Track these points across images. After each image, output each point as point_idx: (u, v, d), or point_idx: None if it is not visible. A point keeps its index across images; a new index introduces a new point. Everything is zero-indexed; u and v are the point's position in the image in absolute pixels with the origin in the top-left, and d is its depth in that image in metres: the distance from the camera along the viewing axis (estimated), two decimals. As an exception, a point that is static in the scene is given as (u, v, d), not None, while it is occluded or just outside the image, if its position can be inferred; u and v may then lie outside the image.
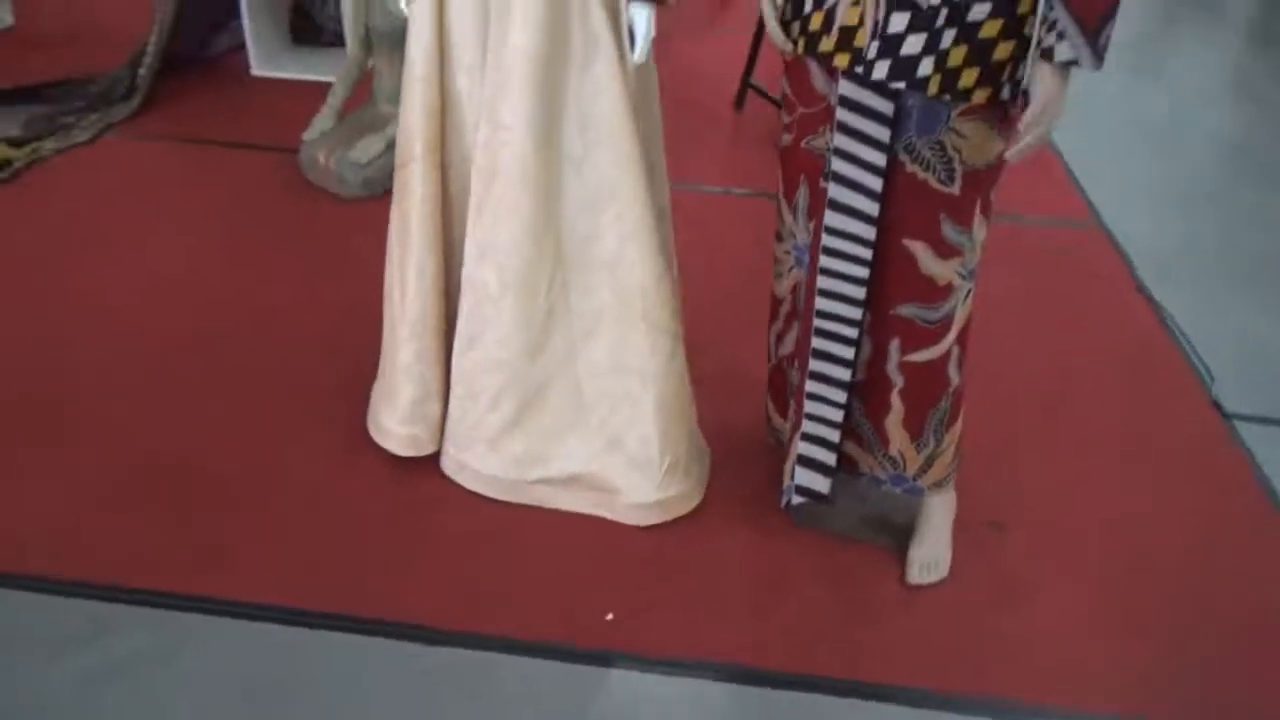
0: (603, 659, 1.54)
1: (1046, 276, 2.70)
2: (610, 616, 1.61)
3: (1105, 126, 3.81)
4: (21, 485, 1.79)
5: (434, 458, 1.85)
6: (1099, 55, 1.26)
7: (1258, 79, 4.53)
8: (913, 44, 1.28)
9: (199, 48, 3.63)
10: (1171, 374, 2.33)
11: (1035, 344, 2.40)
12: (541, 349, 1.69)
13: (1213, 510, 1.92)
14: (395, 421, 1.83)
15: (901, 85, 1.31)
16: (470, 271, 1.66)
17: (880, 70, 1.31)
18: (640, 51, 1.51)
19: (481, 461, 1.79)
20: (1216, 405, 2.20)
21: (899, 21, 1.28)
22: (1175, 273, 2.73)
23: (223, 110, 3.43)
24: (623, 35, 1.50)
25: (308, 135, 2.90)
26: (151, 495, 1.79)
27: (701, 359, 2.05)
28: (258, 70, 3.70)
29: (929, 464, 1.68)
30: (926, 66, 1.29)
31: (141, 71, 3.32)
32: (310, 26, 3.95)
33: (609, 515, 1.78)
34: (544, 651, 1.54)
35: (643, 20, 1.50)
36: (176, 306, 2.34)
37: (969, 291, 1.54)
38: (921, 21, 1.27)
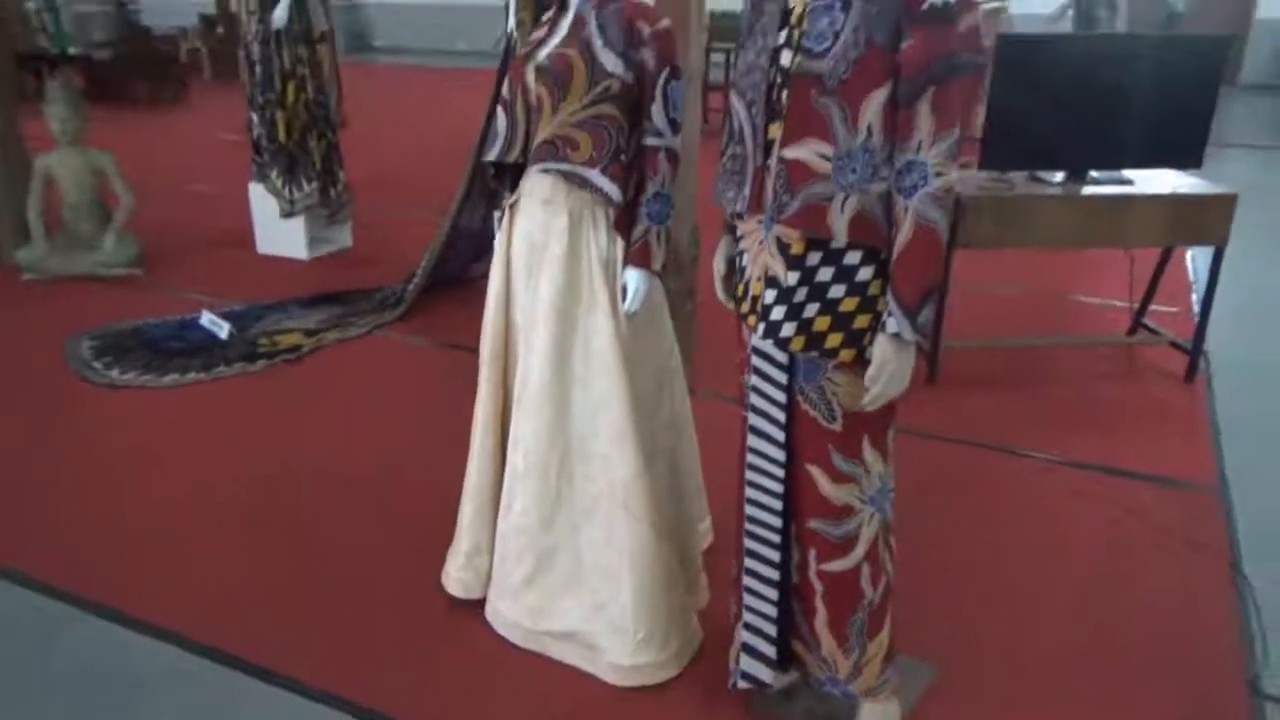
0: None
1: (1134, 535, 2.70)
2: (557, 750, 1.94)
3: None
4: (207, 560, 2.50)
5: (484, 604, 2.32)
6: (916, 329, 1.56)
7: None
8: (778, 312, 1.67)
9: (460, 272, 4.64)
10: (1220, 648, 2.25)
11: (1088, 598, 2.44)
12: (553, 521, 2.14)
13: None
14: (454, 567, 2.34)
15: (769, 342, 1.69)
16: (509, 455, 2.18)
17: (760, 330, 1.70)
18: (629, 306, 2.01)
19: (508, 609, 2.23)
20: (1252, 685, 2.11)
21: (769, 295, 1.68)
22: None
23: (466, 322, 4.30)
24: (616, 292, 2.02)
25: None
26: (276, 584, 2.42)
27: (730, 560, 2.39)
28: (503, 290, 4.62)
29: (858, 670, 1.88)
30: (789, 329, 1.66)
31: (410, 287, 4.34)
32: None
33: (593, 671, 2.13)
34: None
35: (633, 282, 2.01)
36: (364, 463, 3.06)
37: (873, 515, 1.79)
38: (784, 296, 1.66)
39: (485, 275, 4.66)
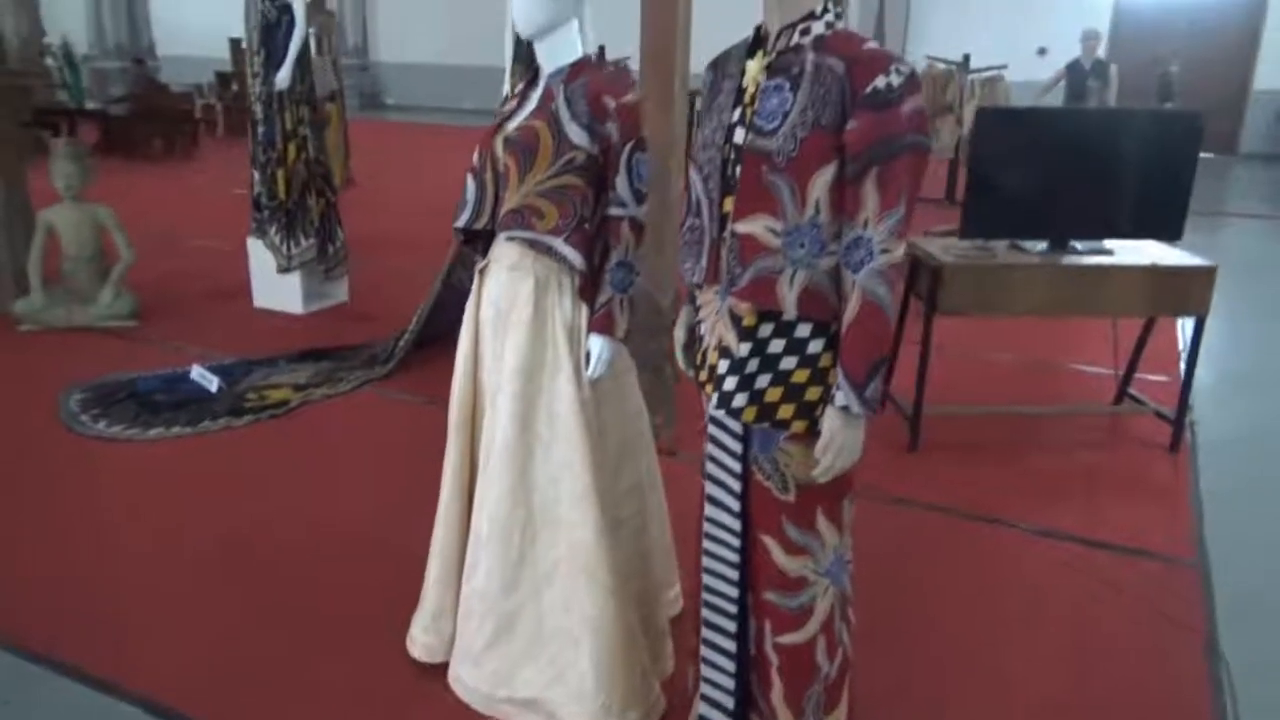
0: None
1: (1111, 610, 2.67)
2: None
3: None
4: (178, 618, 2.49)
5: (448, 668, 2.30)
6: (866, 404, 1.57)
7: None
8: (730, 383, 1.68)
9: (450, 330, 4.66)
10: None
11: (1057, 667, 2.41)
12: (515, 586, 2.13)
13: None
14: (419, 631, 2.33)
15: (722, 412, 1.70)
16: (473, 518, 2.18)
17: (714, 399, 1.72)
18: (592, 372, 2.03)
19: (469, 675, 2.21)
20: (1224, 766, 2.07)
21: (723, 366, 1.70)
22: (1266, 627, 2.58)
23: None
24: (580, 357, 2.04)
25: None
26: (246, 643, 2.41)
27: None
28: (493, 348, 4.65)
29: (815, 746, 1.85)
30: (741, 400, 1.68)
31: (400, 344, 4.38)
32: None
33: (554, 740, 2.10)
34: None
35: (596, 348, 2.03)
36: (342, 521, 3.06)
37: (828, 588, 1.78)
38: (736, 367, 1.67)
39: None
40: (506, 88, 4.39)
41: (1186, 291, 3.47)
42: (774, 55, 1.62)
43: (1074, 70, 8.15)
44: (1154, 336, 3.95)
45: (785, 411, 1.67)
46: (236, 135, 12.83)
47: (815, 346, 1.65)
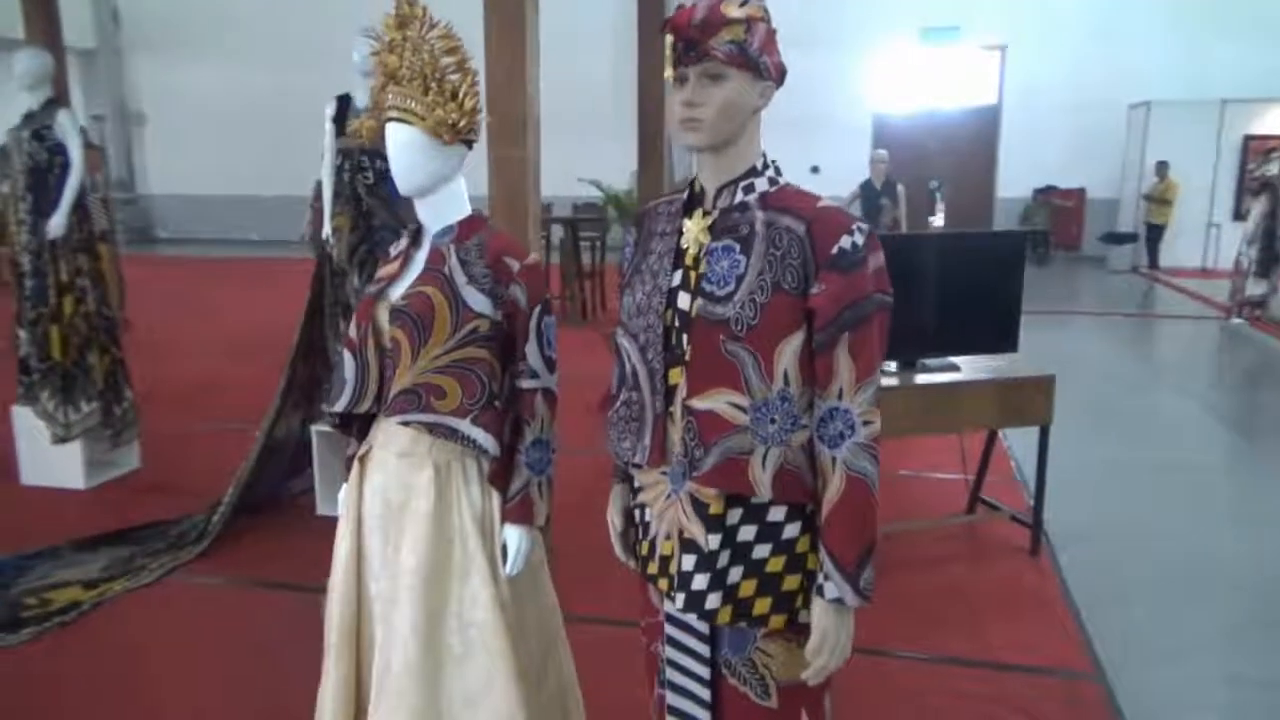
0: None
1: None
2: None
3: (1149, 565, 3.78)
4: None
5: None
6: (860, 593, 1.40)
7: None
8: (700, 581, 1.46)
9: (272, 493, 4.16)
10: None
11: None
12: None
13: None
14: None
15: (693, 616, 1.48)
16: (368, 759, 1.80)
17: (679, 600, 1.49)
18: (511, 568, 1.75)
19: None
20: None
21: (688, 562, 1.48)
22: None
23: (280, 552, 3.83)
24: (495, 553, 1.76)
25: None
26: None
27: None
28: (323, 510, 4.16)
29: None
30: (714, 600, 1.46)
31: (215, 518, 3.83)
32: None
33: None
34: None
35: (514, 539, 1.76)
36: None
37: (815, 803, 1.56)
38: (706, 562, 1.46)
39: (304, 493, 4.25)
40: (328, 228, 4.08)
41: (1030, 401, 3.61)
42: (716, 214, 1.48)
43: (867, 190, 8.78)
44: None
45: (761, 606, 1.47)
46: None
47: (791, 531, 1.46)
